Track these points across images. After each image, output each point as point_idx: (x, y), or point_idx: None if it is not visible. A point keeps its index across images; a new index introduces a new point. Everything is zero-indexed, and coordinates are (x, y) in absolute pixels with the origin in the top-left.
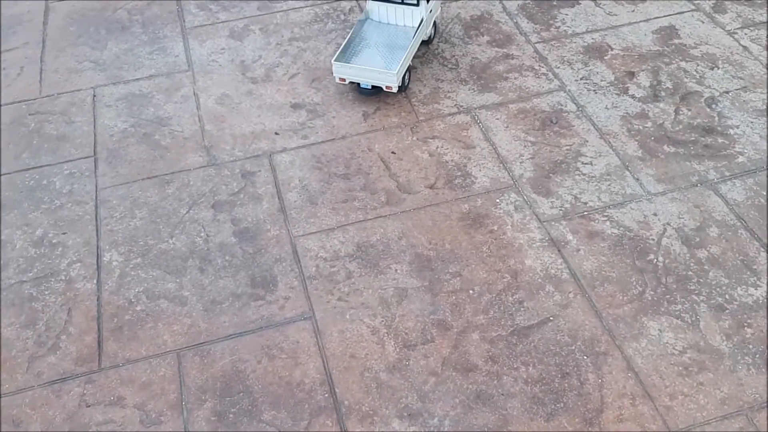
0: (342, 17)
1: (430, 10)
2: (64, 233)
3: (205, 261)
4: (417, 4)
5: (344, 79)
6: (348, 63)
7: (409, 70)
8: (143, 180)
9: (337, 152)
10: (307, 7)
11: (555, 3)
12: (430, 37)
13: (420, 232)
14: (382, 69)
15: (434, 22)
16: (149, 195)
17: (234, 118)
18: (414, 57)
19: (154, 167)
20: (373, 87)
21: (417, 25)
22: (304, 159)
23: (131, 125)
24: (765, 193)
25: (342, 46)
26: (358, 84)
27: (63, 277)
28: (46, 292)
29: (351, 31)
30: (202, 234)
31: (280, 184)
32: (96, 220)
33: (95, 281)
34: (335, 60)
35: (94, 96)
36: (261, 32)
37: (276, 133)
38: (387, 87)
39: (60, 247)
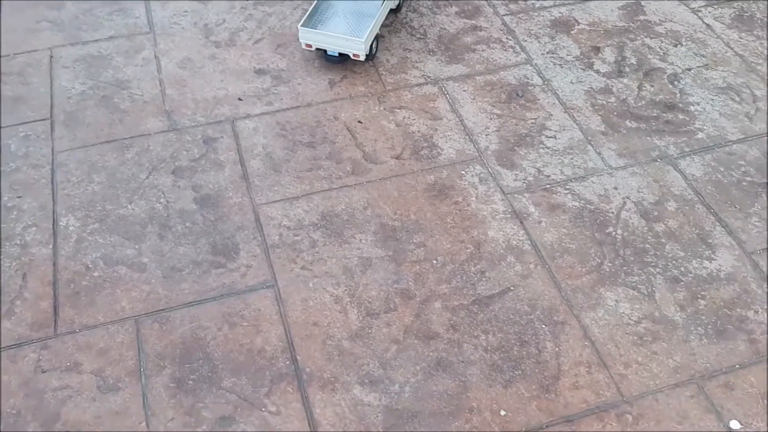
0: None
1: None
2: (19, 197)
3: (165, 227)
4: None
5: (310, 46)
6: (315, 29)
7: (376, 38)
8: (101, 144)
9: (302, 120)
10: None
11: None
12: (398, 5)
13: (385, 202)
14: (349, 36)
15: None
16: (107, 159)
17: (196, 82)
18: (382, 26)
19: (112, 131)
20: (340, 55)
21: None
22: (268, 126)
23: (89, 87)
24: (722, 169)
25: (308, 12)
26: (325, 51)
27: (18, 242)
28: (1, 257)
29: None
30: (162, 200)
31: (243, 151)
32: (52, 184)
33: (51, 246)
34: (301, 25)
35: (51, 57)
36: None
37: (239, 99)
38: (354, 55)
39: (15, 210)
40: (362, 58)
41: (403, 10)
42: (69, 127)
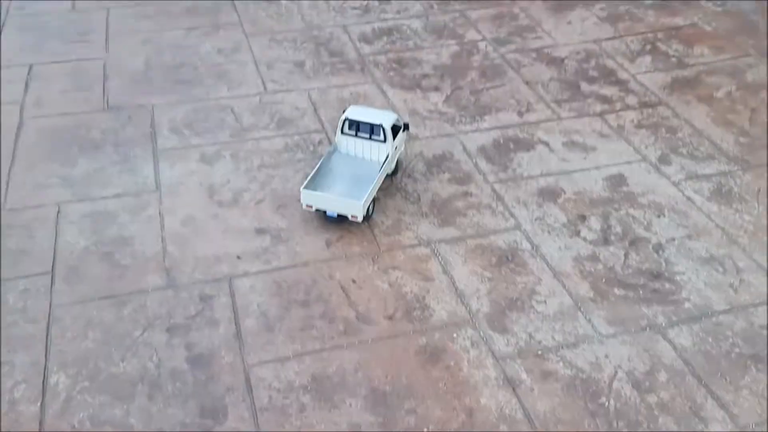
0: (311, 148)
1: (396, 147)
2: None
3: (155, 387)
4: (384, 141)
5: (311, 207)
6: (316, 191)
7: (373, 201)
8: (99, 300)
9: (298, 279)
10: (278, 136)
11: (512, 146)
12: (395, 170)
13: (377, 364)
14: (348, 199)
15: (399, 158)
16: (104, 315)
17: (198, 240)
18: (378, 189)
19: (112, 287)
20: (338, 215)
21: (383, 160)
22: (265, 284)
23: (93, 243)
24: (711, 340)
25: (310, 175)
26: (325, 212)
27: (6, 399)
28: None
29: (320, 162)
30: (155, 358)
31: (239, 309)
32: (47, 339)
33: (39, 404)
34: (304, 188)
35: (59, 212)
36: (231, 158)
37: (238, 257)
38: (352, 216)
39: (6, 366)
40: (360, 219)
41: (399, 175)
42: (69, 281)
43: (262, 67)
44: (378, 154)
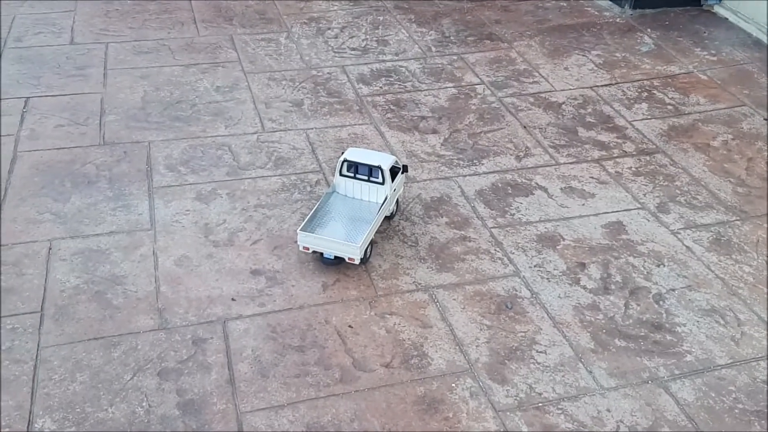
0: (308, 188)
1: (394, 189)
2: None
3: None
4: (382, 183)
5: (308, 248)
6: (313, 233)
7: (371, 244)
8: (89, 341)
9: (293, 322)
10: (275, 176)
11: (510, 191)
12: (392, 213)
13: (373, 414)
14: (345, 241)
15: (397, 200)
16: (93, 357)
17: (191, 280)
18: (376, 232)
19: (102, 328)
20: (335, 258)
21: (381, 202)
22: (259, 328)
23: (84, 282)
24: (713, 395)
25: (308, 217)
26: (321, 254)
27: None
28: None
29: (318, 203)
30: (144, 404)
31: (232, 354)
32: (33, 381)
33: None
34: (301, 229)
35: (50, 249)
36: (228, 197)
37: (233, 299)
38: (349, 259)
39: None
40: (357, 262)
41: (397, 217)
42: (58, 321)
43: (260, 106)
44: (376, 195)
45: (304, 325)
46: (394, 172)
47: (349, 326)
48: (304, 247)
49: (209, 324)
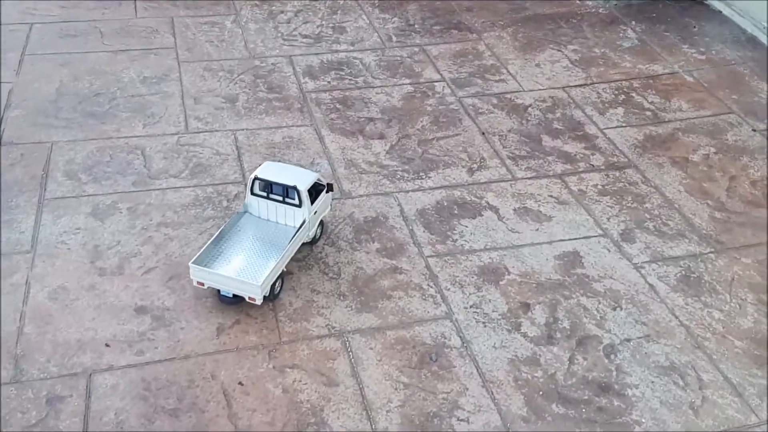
0: (225, 203)
1: (315, 212)
2: None
3: None
4: (299, 205)
5: (202, 284)
6: (207, 267)
7: (281, 276)
8: None
9: (173, 377)
10: (188, 188)
11: (456, 211)
12: (314, 238)
13: None
14: (245, 279)
15: (321, 222)
16: None
17: (63, 319)
18: (292, 259)
19: None
20: (234, 296)
21: (298, 227)
22: (131, 383)
23: None
24: None
25: (206, 245)
26: (219, 290)
27: None
28: None
29: (223, 226)
30: None
31: (90, 418)
32: None
33: None
34: (193, 262)
35: None
36: (128, 212)
37: (107, 345)
38: (250, 299)
39: None
40: (258, 302)
41: (321, 242)
42: None
43: (189, 101)
44: (294, 219)
45: (185, 381)
46: (317, 190)
47: (240, 383)
48: (198, 282)
49: (72, 377)
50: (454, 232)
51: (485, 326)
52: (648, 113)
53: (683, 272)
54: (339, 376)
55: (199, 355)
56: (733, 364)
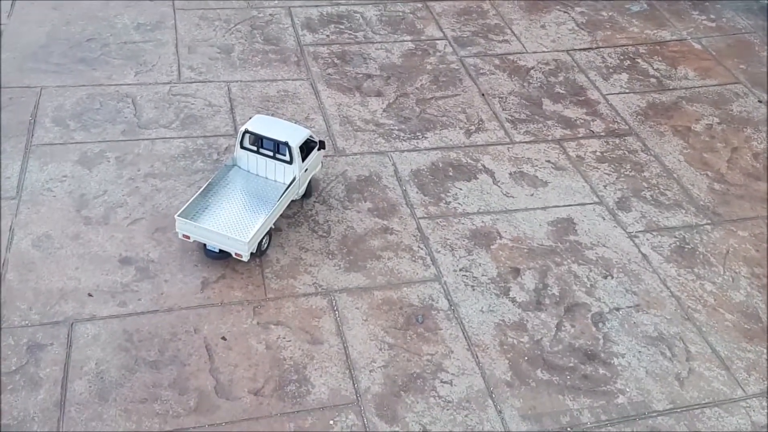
0: (215, 156)
1: (305, 169)
2: None
3: None
4: (290, 162)
5: (188, 237)
6: (194, 221)
7: (269, 233)
8: None
9: (155, 329)
10: (179, 138)
11: (451, 173)
12: (307, 192)
13: None
14: (232, 235)
15: (312, 178)
16: None
17: (46, 267)
18: (281, 216)
19: None
20: (220, 251)
21: (288, 183)
22: (113, 334)
23: None
24: None
25: (193, 197)
26: (205, 245)
27: None
28: None
29: (211, 179)
30: None
31: (71, 367)
32: None
33: None
34: (179, 215)
35: None
36: (116, 162)
37: (89, 295)
38: (236, 254)
39: None
40: (245, 258)
41: (311, 200)
42: None
43: (182, 50)
44: (283, 175)
45: (168, 334)
46: (309, 147)
47: (223, 338)
48: (183, 235)
49: (53, 326)
50: (448, 194)
51: (474, 290)
52: (653, 80)
53: (678, 243)
54: (324, 334)
55: (182, 309)
56: (722, 337)
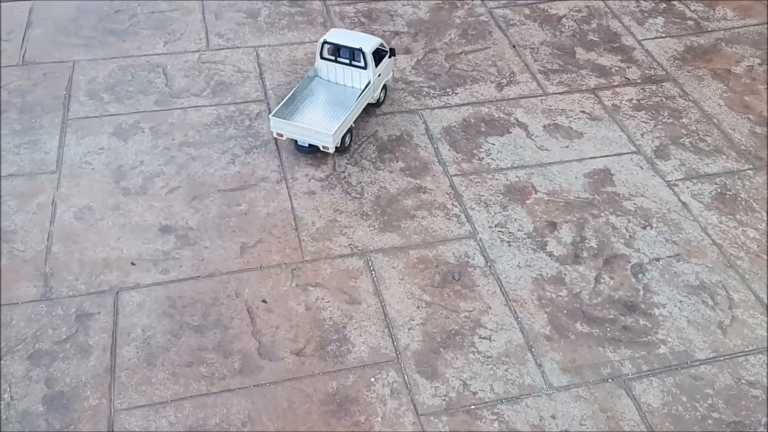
0: (247, 122)
1: (378, 74)
2: None
3: None
4: (365, 67)
5: (282, 135)
6: (287, 119)
7: (350, 131)
8: None
9: (197, 295)
10: (210, 106)
11: (483, 129)
12: (378, 101)
13: (270, 417)
14: (319, 129)
15: (384, 86)
16: None
17: (89, 238)
18: (314, 178)
19: None
20: (310, 145)
21: (363, 87)
22: (157, 301)
23: None
24: (685, 399)
25: (284, 100)
26: (296, 141)
27: None
28: None
29: (296, 86)
30: (6, 395)
31: (119, 334)
32: None
33: None
34: (273, 115)
35: None
36: (151, 132)
37: (132, 263)
38: (324, 147)
39: None
40: (331, 150)
41: (343, 162)
42: None
43: (209, 17)
44: (359, 81)
45: (210, 299)
46: (380, 55)
47: (263, 301)
48: (277, 134)
49: (99, 295)
50: (481, 150)
51: (510, 245)
52: (690, 23)
53: (719, 189)
54: (361, 294)
55: (223, 274)
56: (766, 284)
